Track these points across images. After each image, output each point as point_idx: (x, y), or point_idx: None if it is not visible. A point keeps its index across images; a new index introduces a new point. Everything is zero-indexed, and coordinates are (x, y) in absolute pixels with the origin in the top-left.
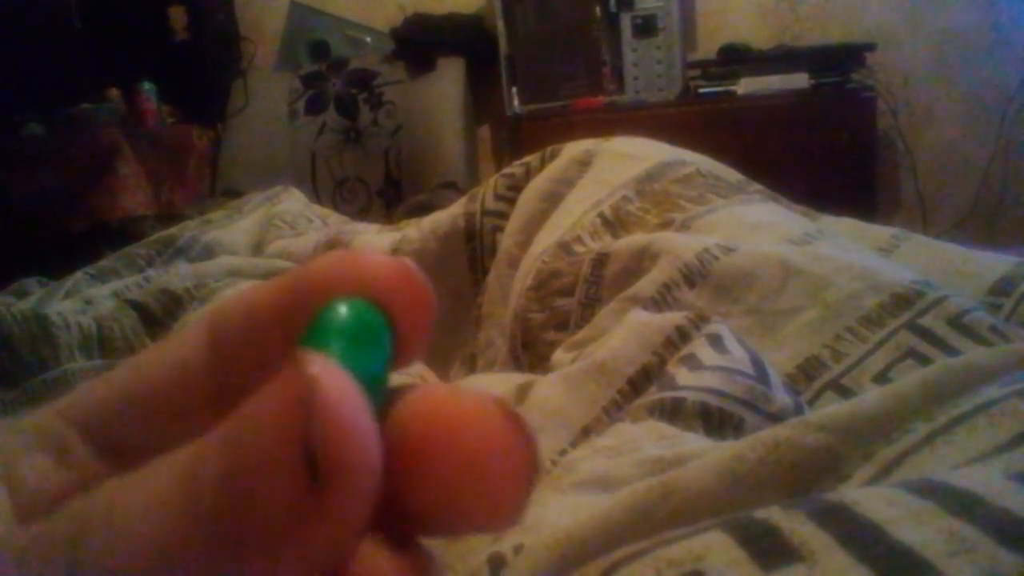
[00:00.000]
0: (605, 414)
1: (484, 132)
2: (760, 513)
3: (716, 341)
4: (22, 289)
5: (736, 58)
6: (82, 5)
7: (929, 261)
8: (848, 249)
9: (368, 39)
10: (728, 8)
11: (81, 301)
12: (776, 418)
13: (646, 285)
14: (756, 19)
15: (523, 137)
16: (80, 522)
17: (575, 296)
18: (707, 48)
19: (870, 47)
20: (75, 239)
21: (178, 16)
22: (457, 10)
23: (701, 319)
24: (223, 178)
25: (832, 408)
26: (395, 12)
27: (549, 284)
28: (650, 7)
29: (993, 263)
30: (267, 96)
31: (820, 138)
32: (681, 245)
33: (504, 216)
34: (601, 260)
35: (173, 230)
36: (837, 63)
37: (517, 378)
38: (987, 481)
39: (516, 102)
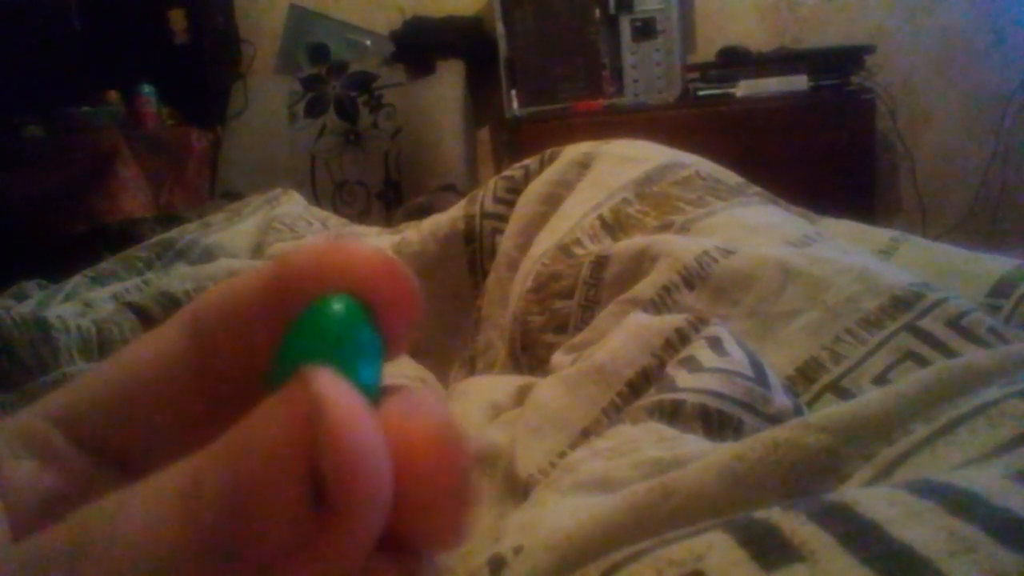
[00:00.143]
0: (604, 416)
1: (483, 135)
2: (760, 513)
3: (715, 343)
4: (22, 292)
5: (735, 60)
6: (82, 7)
7: (928, 263)
8: (847, 251)
9: (368, 42)
10: (727, 10)
11: (80, 304)
12: (775, 420)
13: (645, 287)
14: (755, 21)
15: (522, 140)
16: (80, 538)
17: (574, 298)
18: (706, 50)
19: (869, 49)
20: (74, 241)
21: (178, 18)
22: (456, 13)
23: (700, 321)
24: (223, 180)
25: (832, 409)
26: (395, 15)
27: (548, 286)
28: (649, 9)
29: (992, 265)
30: (267, 99)
31: (819, 140)
32: (680, 247)
33: (503, 218)
34: (600, 263)
35: (173, 233)
36: (836, 65)
37: (516, 380)
38: (987, 481)
39: (515, 104)
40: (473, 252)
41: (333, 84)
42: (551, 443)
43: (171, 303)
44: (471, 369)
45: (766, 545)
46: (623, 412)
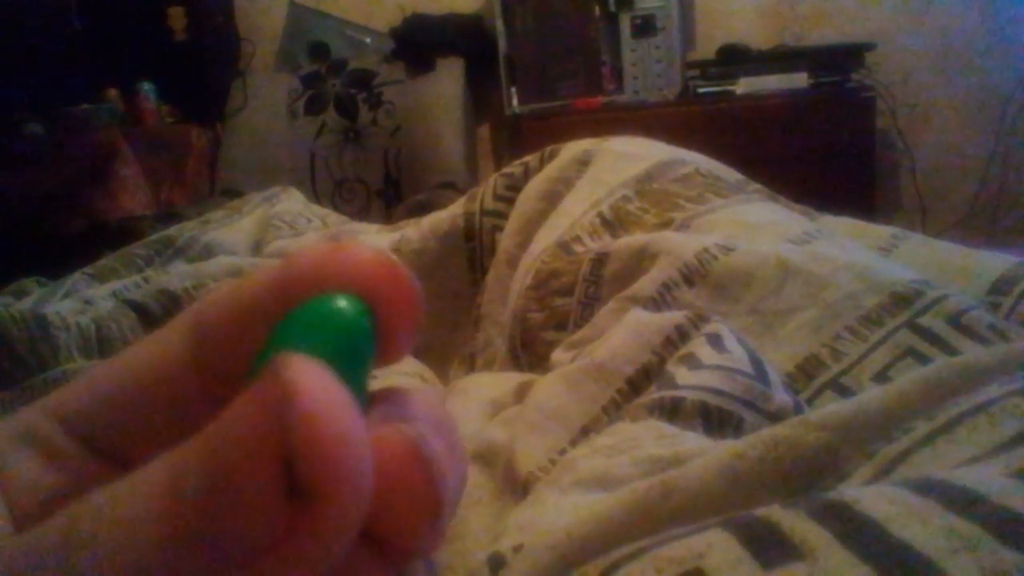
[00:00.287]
0: (604, 413)
1: (483, 132)
2: (761, 511)
3: (716, 340)
4: (21, 289)
5: (735, 58)
6: (81, 5)
7: (928, 260)
8: (847, 248)
9: (367, 39)
10: (727, 8)
11: (80, 301)
12: (775, 417)
13: (645, 285)
14: (755, 19)
15: (522, 137)
16: (68, 534)
17: (574, 296)
18: (706, 48)
19: (869, 47)
20: (74, 239)
21: (177, 16)
22: (456, 10)
23: (700, 318)
24: (222, 178)
25: (832, 407)
26: (394, 12)
27: (548, 284)
28: (649, 7)
29: (992, 262)
30: (266, 96)
31: (819, 138)
32: (680, 245)
33: (503, 216)
34: (600, 260)
35: (172, 230)
36: (836, 63)
37: (516, 377)
38: (988, 479)
39: (515, 102)
40: (473, 249)
41: (333, 82)
42: (551, 440)
43: (170, 301)
44: (471, 366)
45: (766, 543)
46: (623, 409)
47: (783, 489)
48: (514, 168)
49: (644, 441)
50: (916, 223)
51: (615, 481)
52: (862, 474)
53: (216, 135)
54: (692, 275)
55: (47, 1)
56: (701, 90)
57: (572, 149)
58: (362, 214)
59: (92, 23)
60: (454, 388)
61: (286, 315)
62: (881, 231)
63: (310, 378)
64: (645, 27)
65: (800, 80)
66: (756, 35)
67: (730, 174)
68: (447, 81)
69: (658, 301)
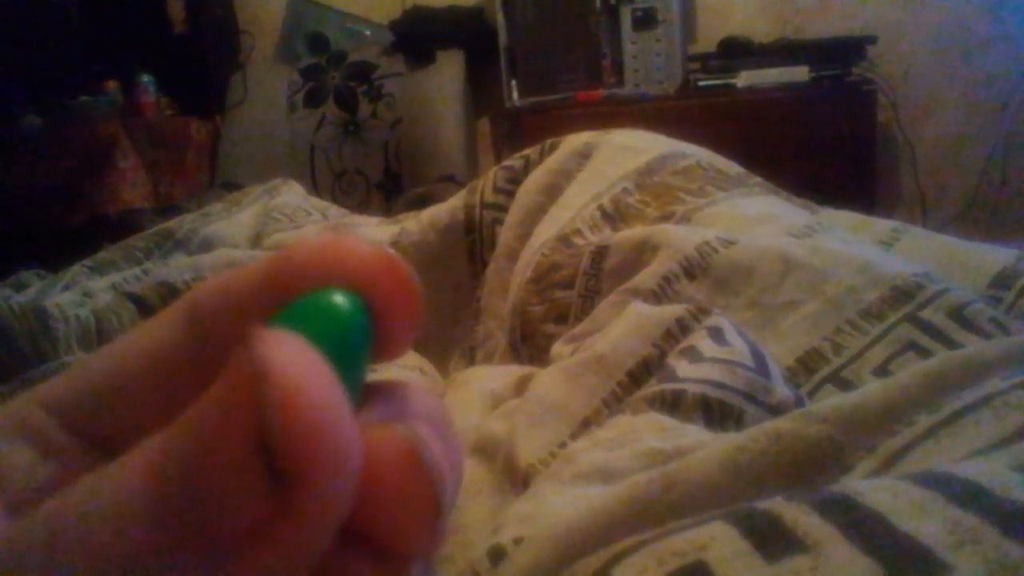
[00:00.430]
0: (605, 406)
1: (483, 125)
2: (763, 504)
3: (717, 333)
4: (20, 282)
5: (736, 51)
6: None
7: (929, 254)
8: (848, 242)
9: (367, 32)
10: (728, 1)
11: (79, 294)
12: (776, 410)
13: (646, 278)
14: (756, 12)
15: (522, 130)
16: (54, 523)
17: (574, 289)
18: (707, 41)
19: (871, 40)
20: (73, 232)
21: (176, 8)
22: (456, 2)
23: (701, 311)
24: (222, 171)
25: (835, 400)
26: (394, 5)
27: (548, 277)
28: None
29: (993, 256)
30: (266, 89)
31: (820, 131)
32: (681, 238)
33: (503, 209)
34: (601, 253)
35: (171, 223)
36: (838, 56)
37: (516, 370)
38: (992, 472)
39: (515, 95)
40: (473, 242)
41: (332, 74)
42: (551, 433)
43: (170, 293)
44: (471, 359)
45: (769, 536)
46: (623, 402)
47: (785, 482)
48: (514, 161)
49: (645, 434)
50: (917, 217)
51: (616, 474)
52: (865, 467)
53: (215, 127)
54: (693, 268)
55: None
56: (702, 83)
57: (572, 142)
58: (362, 207)
59: (91, 14)
60: (454, 381)
61: (282, 308)
62: (882, 225)
63: (286, 353)
64: (646, 20)
65: (801, 73)
66: (757, 28)
67: (731, 167)
68: (447, 74)
69: (659, 294)
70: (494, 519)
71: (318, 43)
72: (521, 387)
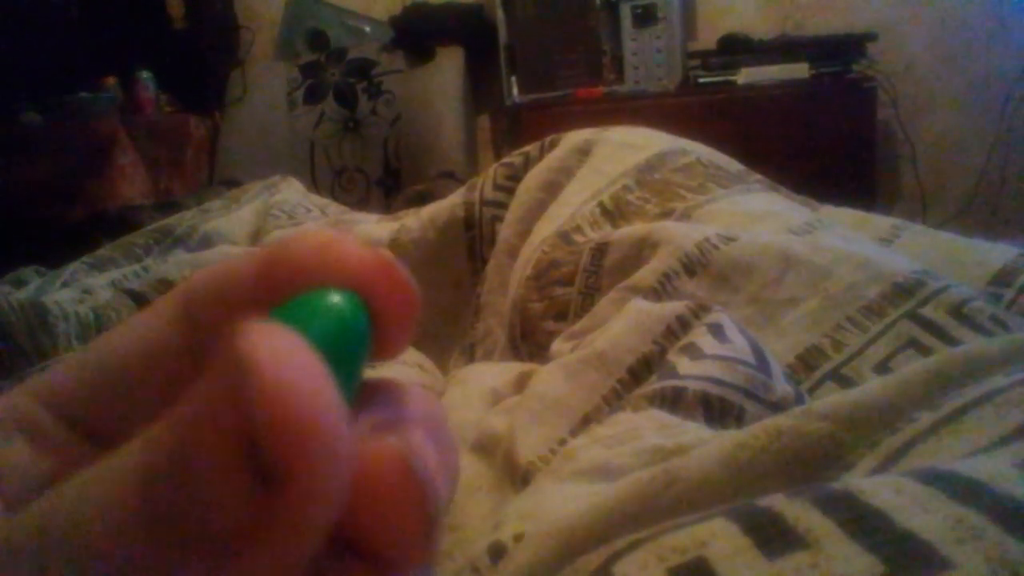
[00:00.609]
0: (605, 403)
1: (483, 122)
2: (764, 501)
3: (717, 330)
4: (20, 278)
5: (736, 48)
6: None
7: (929, 251)
8: (849, 239)
9: (367, 28)
10: None
11: (79, 290)
12: (777, 407)
13: (646, 275)
14: (756, 9)
15: (522, 127)
16: (45, 520)
17: (574, 285)
18: (707, 38)
19: (871, 37)
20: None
21: (176, 5)
22: None
23: (702, 308)
24: (221, 167)
25: (836, 397)
26: (394, 1)
27: (548, 273)
28: None
29: (994, 253)
30: (265, 85)
31: (820, 128)
32: (681, 234)
33: (503, 206)
34: (601, 249)
35: (171, 220)
36: (838, 53)
37: (516, 367)
38: (994, 469)
39: (515, 91)
40: (473, 239)
41: (332, 71)
42: (551, 430)
43: (169, 290)
44: (470, 356)
45: (770, 532)
46: (624, 399)
47: (786, 479)
48: (514, 158)
49: (645, 431)
50: (917, 214)
51: (616, 471)
52: (866, 464)
53: (215, 124)
54: (693, 265)
55: None
56: (702, 80)
57: (573, 139)
58: (361, 204)
59: (90, 10)
60: (454, 378)
61: (279, 305)
62: (882, 222)
63: (273, 346)
64: (646, 17)
65: (801, 70)
66: (757, 25)
67: (731, 164)
68: (447, 70)
69: (659, 291)
70: (494, 516)
71: (318, 40)
72: (521, 384)
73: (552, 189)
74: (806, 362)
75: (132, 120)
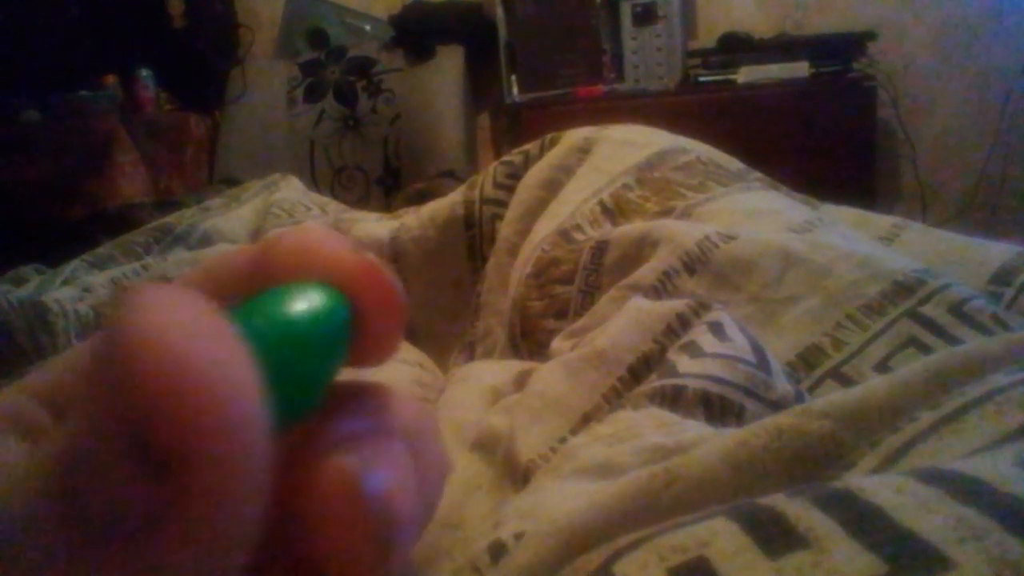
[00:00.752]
0: (605, 401)
1: (483, 120)
2: (765, 500)
3: (717, 328)
4: (20, 277)
5: (736, 47)
6: None
7: (930, 250)
8: (849, 237)
9: (367, 27)
10: None
11: (79, 288)
12: (777, 406)
13: (646, 273)
14: (757, 7)
15: (522, 125)
16: None
17: (574, 284)
18: (707, 36)
19: (871, 36)
20: (72, 226)
21: (176, 3)
22: None
23: (702, 306)
24: (221, 166)
25: (836, 395)
26: (394, 0)
27: (548, 272)
28: None
29: (994, 252)
30: (265, 84)
31: (820, 127)
32: (681, 233)
33: (503, 204)
34: (601, 248)
35: (171, 218)
36: (838, 52)
37: (516, 365)
38: (996, 468)
39: (515, 90)
40: (472, 238)
41: (332, 69)
42: (551, 428)
43: None
44: (470, 355)
45: (771, 532)
46: (624, 398)
47: (786, 478)
48: (514, 156)
49: (645, 429)
50: (917, 213)
51: (616, 469)
52: (867, 463)
53: (215, 122)
54: (693, 263)
55: None
56: (702, 79)
57: (572, 137)
58: (361, 202)
59: (90, 8)
60: (454, 376)
61: (257, 293)
62: (882, 220)
63: (161, 316)
64: (646, 15)
65: (801, 69)
66: (757, 24)
67: (731, 163)
68: (447, 69)
69: (659, 289)
70: (494, 515)
71: (317, 38)
72: (521, 382)
73: (552, 187)
74: (806, 360)
75: (132, 119)
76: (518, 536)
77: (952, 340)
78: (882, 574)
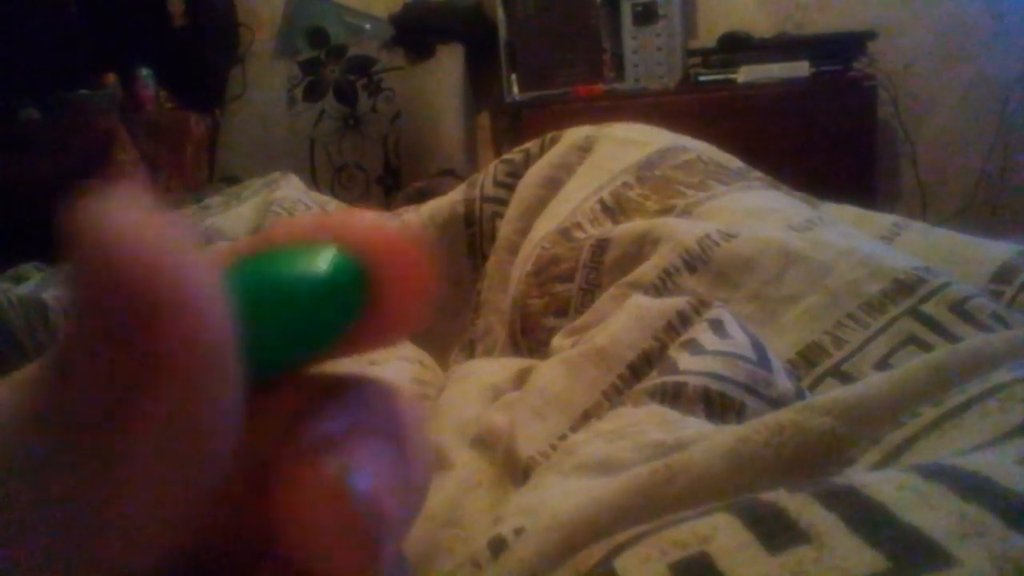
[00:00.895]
0: (605, 398)
1: (483, 119)
2: (766, 495)
3: (718, 326)
4: (20, 275)
5: (737, 46)
6: None
7: (930, 248)
8: (849, 236)
9: (367, 25)
10: None
11: None
12: (777, 403)
13: (646, 271)
14: (757, 7)
15: (522, 124)
16: None
17: (575, 282)
18: (708, 36)
19: (871, 35)
20: None
21: (176, 2)
22: None
23: (702, 304)
24: (221, 164)
25: (838, 392)
26: None
27: (549, 270)
28: None
29: (994, 251)
30: (265, 82)
31: (820, 127)
32: (682, 231)
33: (503, 202)
34: (601, 246)
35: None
36: (838, 51)
37: (517, 363)
38: (998, 465)
39: (515, 89)
40: (473, 236)
41: (332, 68)
42: (552, 425)
43: None
44: (470, 353)
45: (772, 527)
46: (624, 395)
47: (787, 474)
48: (514, 154)
49: (646, 426)
50: (917, 212)
51: (617, 465)
52: (869, 460)
53: (215, 121)
54: (694, 261)
55: None
56: (702, 78)
57: (573, 135)
58: (361, 201)
59: (90, 7)
60: (454, 374)
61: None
62: (883, 219)
63: (108, 216)
64: (646, 15)
65: (801, 69)
66: (758, 23)
67: (731, 161)
68: (447, 68)
69: (659, 287)
70: (495, 511)
71: (318, 37)
72: (521, 380)
73: (552, 186)
74: (807, 358)
75: (132, 117)
76: (518, 532)
77: (952, 338)
78: (884, 570)
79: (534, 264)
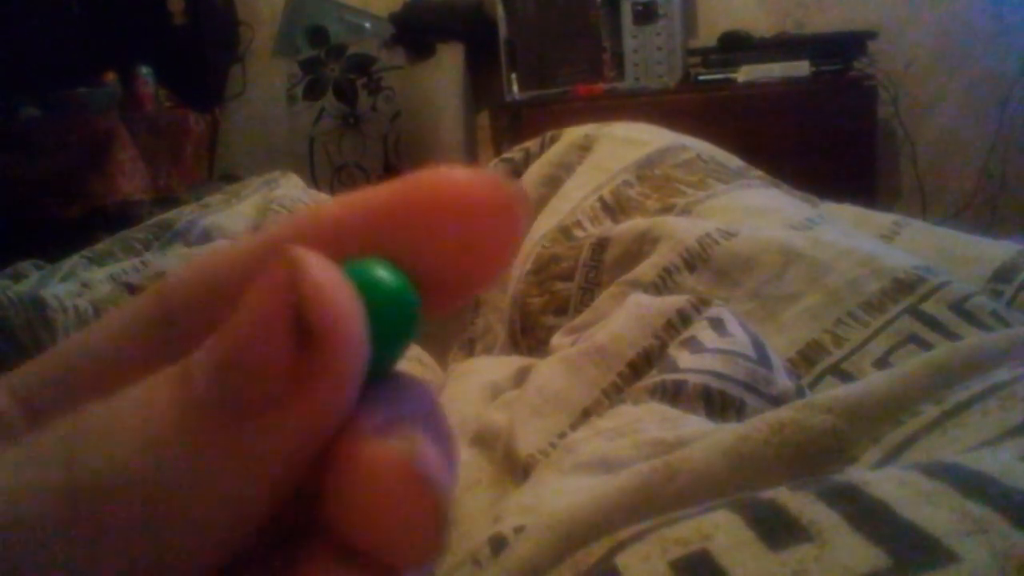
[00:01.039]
0: (605, 397)
1: (483, 118)
2: (767, 493)
3: (718, 324)
4: (19, 272)
5: (737, 45)
6: None
7: (930, 247)
8: (849, 235)
9: (367, 24)
10: None
11: (78, 284)
12: (777, 401)
13: (646, 269)
14: (757, 6)
15: (522, 123)
16: (75, 432)
17: (574, 280)
18: (708, 35)
19: (871, 35)
20: (72, 223)
21: (176, 0)
22: None
23: (702, 302)
24: (221, 163)
25: (839, 390)
26: None
27: (548, 268)
28: None
29: (994, 250)
30: (265, 81)
31: (821, 126)
32: (682, 229)
33: None
34: (601, 244)
35: (170, 214)
36: (838, 51)
37: (516, 361)
38: (1000, 462)
39: (515, 88)
40: None
41: (332, 67)
42: (551, 423)
43: None
44: (470, 351)
45: (774, 525)
46: (624, 393)
47: (788, 472)
48: (514, 153)
49: (646, 424)
50: (917, 212)
51: (617, 464)
52: (870, 458)
53: (214, 120)
54: (694, 260)
55: None
56: (702, 77)
57: (573, 134)
58: None
59: (90, 5)
60: (453, 372)
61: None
62: (883, 218)
63: (312, 254)
64: (646, 14)
65: (802, 68)
66: (758, 23)
67: (731, 160)
68: (447, 67)
69: (659, 286)
70: (494, 509)
71: (318, 36)
72: (521, 378)
73: (552, 184)
74: (806, 357)
75: (131, 115)
76: (519, 529)
77: (952, 337)
78: (885, 567)
79: (534, 263)
